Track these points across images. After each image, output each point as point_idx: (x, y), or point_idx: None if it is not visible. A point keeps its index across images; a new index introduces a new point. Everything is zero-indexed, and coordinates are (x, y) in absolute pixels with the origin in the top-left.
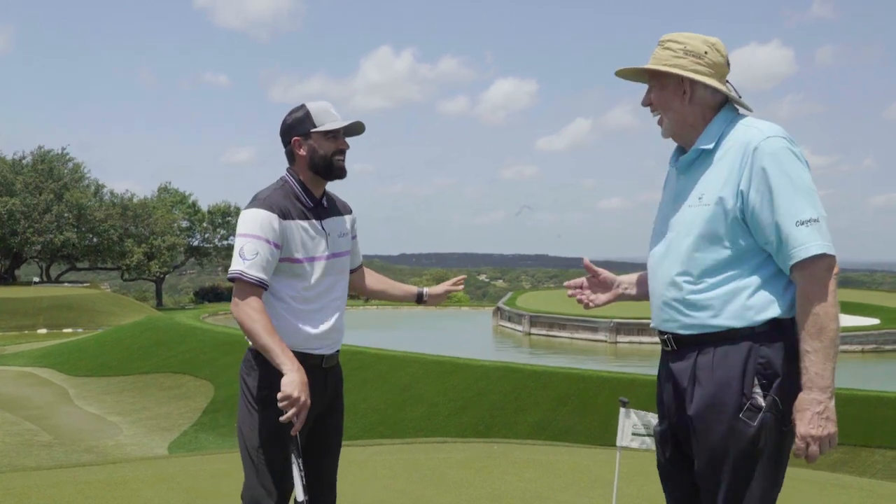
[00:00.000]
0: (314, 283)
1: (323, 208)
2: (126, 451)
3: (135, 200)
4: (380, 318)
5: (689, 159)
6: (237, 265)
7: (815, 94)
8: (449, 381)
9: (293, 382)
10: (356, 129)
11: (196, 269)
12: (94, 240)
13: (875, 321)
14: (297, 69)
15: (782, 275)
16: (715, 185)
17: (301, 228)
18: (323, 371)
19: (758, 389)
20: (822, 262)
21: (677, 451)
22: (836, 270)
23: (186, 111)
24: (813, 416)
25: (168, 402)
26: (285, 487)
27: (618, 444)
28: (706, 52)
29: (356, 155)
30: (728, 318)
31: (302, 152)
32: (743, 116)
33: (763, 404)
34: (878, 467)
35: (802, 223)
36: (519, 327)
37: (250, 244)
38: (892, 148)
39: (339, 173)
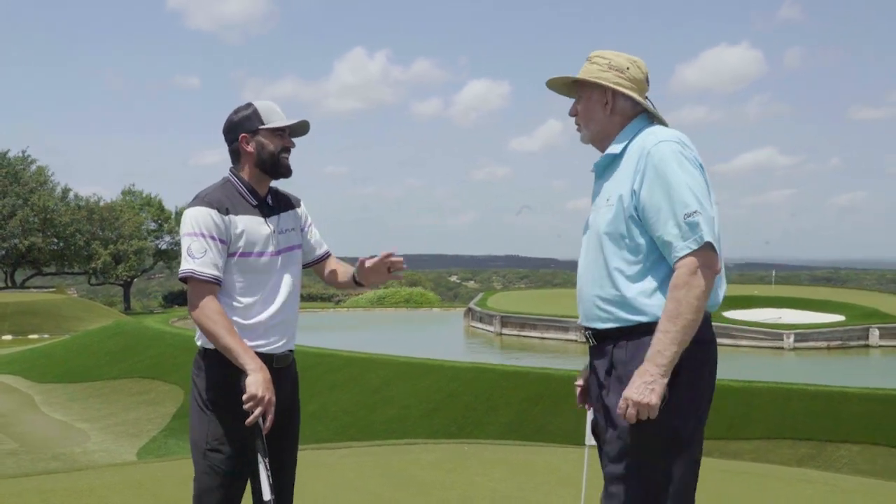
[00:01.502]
0: (259, 279)
1: (268, 206)
2: (94, 458)
3: (101, 204)
4: (351, 319)
5: (602, 164)
6: (187, 264)
7: (783, 95)
8: (420, 383)
9: (257, 382)
10: (302, 128)
11: (165, 272)
12: (61, 244)
13: (840, 318)
14: (268, 71)
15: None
16: (617, 187)
17: (244, 224)
18: (274, 372)
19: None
20: (697, 258)
21: (598, 439)
22: (717, 267)
23: (156, 114)
24: (641, 384)
25: (136, 408)
26: (235, 491)
27: (585, 443)
28: (628, 68)
29: (328, 157)
30: (636, 313)
31: (249, 149)
32: (655, 126)
33: (667, 396)
34: (844, 462)
35: (683, 220)
36: (490, 328)
37: (196, 242)
38: (857, 148)
39: (285, 171)
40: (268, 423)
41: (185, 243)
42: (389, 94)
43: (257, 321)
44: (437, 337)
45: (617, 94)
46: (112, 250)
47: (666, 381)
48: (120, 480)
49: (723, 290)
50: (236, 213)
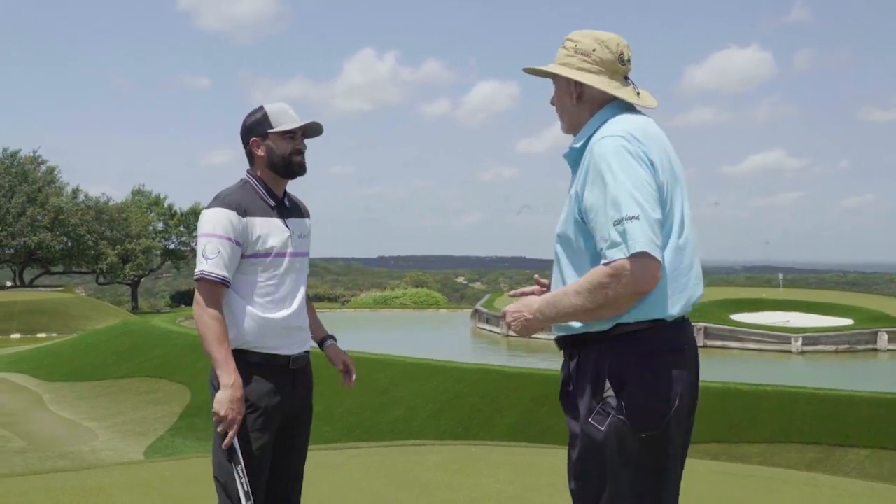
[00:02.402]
0: (277, 280)
1: (285, 207)
2: (101, 457)
3: (110, 204)
4: (356, 320)
5: (572, 158)
6: (200, 265)
7: (792, 96)
8: (427, 384)
9: (221, 401)
10: (314, 129)
11: (172, 272)
12: (69, 243)
13: (848, 321)
14: (278, 72)
15: None
16: (572, 187)
17: (263, 224)
18: (291, 373)
19: (610, 393)
20: (627, 263)
21: None
22: (648, 283)
23: (164, 114)
24: (520, 307)
25: (144, 407)
26: (258, 491)
27: None
28: (594, 50)
29: (335, 157)
30: (587, 323)
31: (260, 153)
32: (630, 113)
33: (610, 409)
34: (852, 466)
35: (613, 226)
36: (497, 329)
37: (212, 243)
38: (866, 150)
39: (299, 170)
40: (227, 441)
41: (201, 244)
42: (397, 94)
43: (277, 321)
44: (444, 338)
45: (583, 82)
46: (120, 250)
47: (533, 319)
48: (128, 479)
49: (691, 295)
50: (255, 215)
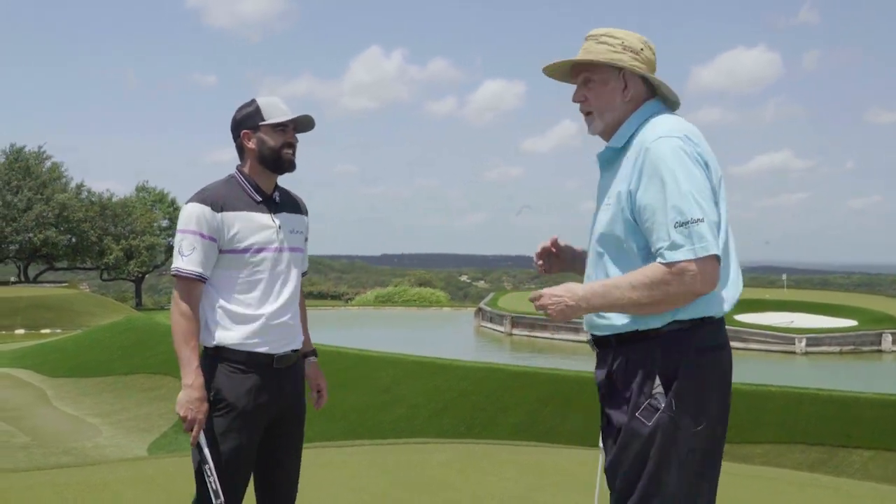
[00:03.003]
0: (259, 275)
1: (274, 203)
2: (105, 453)
3: (114, 200)
4: (360, 318)
5: (605, 157)
6: (176, 262)
7: (800, 97)
8: (430, 382)
9: (181, 401)
10: (306, 123)
11: None
12: (73, 239)
13: (853, 322)
14: (285, 69)
15: None
16: (617, 185)
17: (243, 219)
18: (275, 372)
19: (659, 390)
20: (689, 267)
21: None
22: (713, 284)
23: (172, 112)
24: (561, 292)
25: (148, 403)
26: (235, 489)
27: (600, 444)
28: (642, 49)
29: (340, 155)
30: (633, 320)
31: (251, 145)
32: (665, 113)
33: (660, 405)
34: (856, 467)
35: (675, 229)
36: (500, 328)
37: (187, 239)
38: (873, 151)
39: (288, 166)
40: (192, 440)
41: (178, 240)
42: (404, 93)
43: (257, 318)
44: (447, 336)
45: (631, 79)
46: (124, 245)
47: (575, 306)
48: (132, 475)
49: (734, 293)
50: (234, 210)
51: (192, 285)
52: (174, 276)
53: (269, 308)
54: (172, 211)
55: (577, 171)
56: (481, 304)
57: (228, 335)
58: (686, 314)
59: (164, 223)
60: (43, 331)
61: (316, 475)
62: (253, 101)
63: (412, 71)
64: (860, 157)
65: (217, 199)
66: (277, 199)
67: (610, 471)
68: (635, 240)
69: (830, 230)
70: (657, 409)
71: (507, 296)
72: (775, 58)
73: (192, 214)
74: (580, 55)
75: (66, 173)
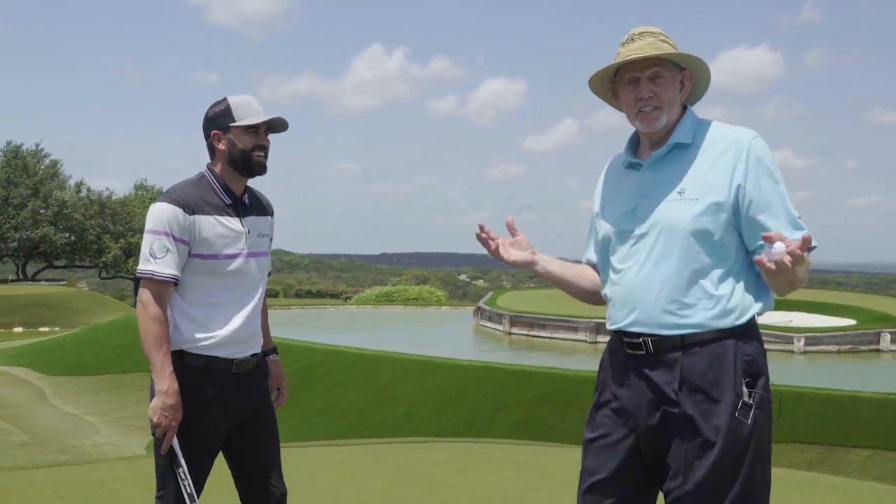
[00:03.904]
0: (222, 282)
1: (243, 205)
2: (103, 451)
3: (113, 198)
4: (359, 316)
5: (661, 154)
6: (147, 265)
7: (801, 96)
8: (429, 381)
9: (154, 408)
10: (279, 125)
11: None
12: (72, 237)
13: (851, 322)
14: (287, 67)
15: (758, 274)
16: (699, 181)
17: (213, 224)
18: (234, 376)
19: (745, 388)
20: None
21: (628, 463)
22: None
23: (174, 110)
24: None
25: (146, 402)
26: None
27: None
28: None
29: (342, 154)
30: (716, 319)
31: (221, 146)
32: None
33: (752, 402)
34: (854, 466)
35: (799, 217)
36: (499, 327)
37: (159, 241)
38: (874, 150)
39: (259, 169)
40: (164, 445)
41: (147, 241)
42: (406, 91)
43: (220, 325)
44: (446, 335)
45: (687, 79)
46: (123, 244)
47: (795, 271)
48: (130, 474)
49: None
50: (204, 213)
51: (164, 288)
52: (144, 278)
53: (232, 315)
54: None
55: (578, 169)
56: (480, 303)
57: (189, 340)
58: (756, 309)
59: None
60: (41, 329)
61: (315, 474)
62: (224, 99)
63: (414, 69)
64: (861, 156)
65: (189, 200)
66: (247, 201)
67: (705, 477)
68: (728, 234)
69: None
70: (751, 407)
71: (505, 295)
72: (777, 57)
73: (163, 215)
74: (651, 51)
75: (65, 171)
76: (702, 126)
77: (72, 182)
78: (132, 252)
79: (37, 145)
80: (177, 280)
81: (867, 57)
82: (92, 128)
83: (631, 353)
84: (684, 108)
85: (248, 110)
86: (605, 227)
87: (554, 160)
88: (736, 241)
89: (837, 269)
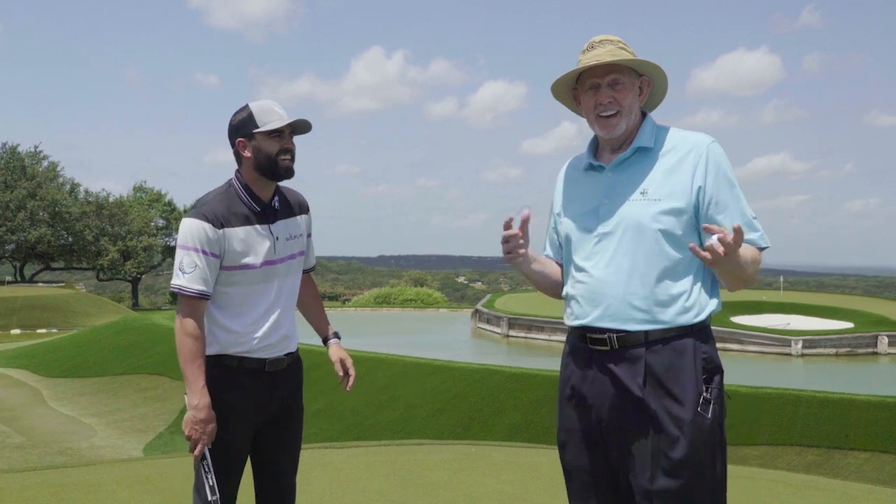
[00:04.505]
0: (255, 290)
1: (272, 211)
2: (101, 453)
3: (111, 200)
4: (357, 320)
5: (625, 157)
6: (177, 279)
7: (800, 100)
8: (427, 383)
9: (187, 422)
10: (303, 126)
11: (173, 269)
12: (69, 239)
13: (849, 325)
14: (287, 70)
15: (714, 274)
16: (662, 182)
17: (242, 235)
18: (267, 375)
19: (704, 384)
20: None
21: (603, 456)
22: None
23: (174, 111)
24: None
25: (143, 404)
26: (228, 491)
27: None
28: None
29: (341, 156)
30: (678, 315)
31: (247, 154)
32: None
33: (710, 397)
34: (851, 469)
35: (754, 218)
36: (497, 329)
37: (188, 256)
38: (872, 153)
39: (286, 173)
40: (196, 452)
41: (178, 256)
42: (405, 94)
43: (254, 330)
44: (444, 337)
45: (646, 86)
46: (120, 246)
47: (728, 266)
48: (128, 476)
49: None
50: (234, 225)
51: (196, 303)
52: (176, 292)
53: (266, 321)
54: (170, 212)
55: None
56: (478, 306)
57: (226, 348)
58: (713, 307)
59: (161, 223)
60: (39, 331)
61: (314, 476)
62: (246, 106)
63: (413, 72)
64: (859, 159)
65: (219, 214)
66: (276, 205)
67: (670, 468)
68: (688, 234)
69: (828, 233)
70: (710, 402)
71: (503, 297)
72: (776, 60)
73: (193, 230)
74: (609, 58)
75: (64, 173)
76: (661, 131)
77: (69, 184)
78: (130, 254)
79: (35, 147)
80: (205, 295)
81: (866, 60)
82: (90, 129)
83: (594, 349)
84: (643, 115)
85: (271, 115)
86: (567, 226)
87: (552, 163)
88: (696, 240)
89: (835, 272)
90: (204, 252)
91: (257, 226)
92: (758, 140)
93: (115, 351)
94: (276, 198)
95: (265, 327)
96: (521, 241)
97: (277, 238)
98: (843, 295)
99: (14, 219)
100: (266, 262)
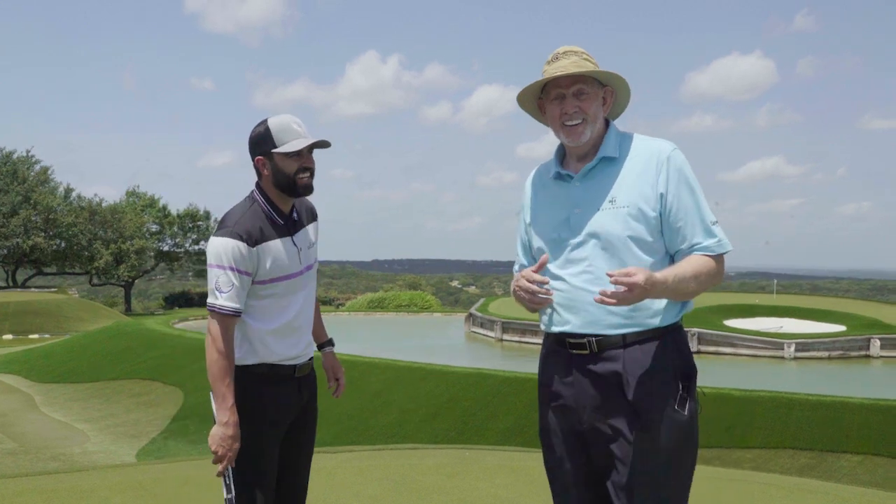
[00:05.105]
0: (287, 302)
1: (293, 222)
2: (93, 459)
3: (104, 205)
4: (351, 324)
5: (591, 166)
6: (214, 299)
7: (794, 104)
8: (421, 388)
9: (214, 436)
10: (321, 144)
11: (166, 273)
12: (62, 244)
13: (841, 328)
14: (282, 74)
15: None
16: (628, 189)
17: (275, 249)
18: (296, 380)
19: (680, 382)
20: (722, 261)
21: (585, 456)
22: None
23: (169, 115)
24: (644, 278)
25: (136, 409)
26: (265, 496)
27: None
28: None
29: (336, 160)
30: (653, 317)
31: (265, 172)
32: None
33: (686, 395)
34: (844, 472)
35: (714, 223)
36: (491, 333)
37: (224, 276)
38: (865, 157)
39: (305, 191)
40: (220, 468)
41: (213, 276)
42: (400, 98)
43: (285, 338)
44: (438, 342)
45: (609, 96)
46: (113, 250)
47: (649, 293)
48: (121, 481)
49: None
50: (266, 240)
51: (230, 321)
52: (211, 311)
53: (296, 330)
54: (163, 217)
55: None
56: (472, 310)
57: (253, 357)
58: (686, 309)
59: (154, 227)
60: (31, 336)
61: (309, 480)
62: (265, 122)
63: (408, 76)
64: (852, 163)
65: (251, 231)
66: (296, 216)
67: (648, 467)
68: (657, 237)
69: (821, 236)
70: (687, 399)
71: (497, 301)
72: (770, 64)
73: (227, 249)
74: (574, 69)
75: (56, 178)
76: (625, 139)
77: (62, 188)
78: (123, 258)
79: (27, 151)
80: (238, 312)
81: (860, 65)
82: (84, 131)
83: (575, 354)
84: (607, 124)
85: (289, 133)
86: (540, 236)
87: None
88: (660, 244)
89: (828, 275)
90: (238, 271)
91: (284, 238)
92: (752, 144)
93: (108, 356)
94: (294, 208)
95: (294, 335)
96: (546, 287)
97: (300, 249)
98: (835, 298)
99: (7, 224)
100: (294, 273)
